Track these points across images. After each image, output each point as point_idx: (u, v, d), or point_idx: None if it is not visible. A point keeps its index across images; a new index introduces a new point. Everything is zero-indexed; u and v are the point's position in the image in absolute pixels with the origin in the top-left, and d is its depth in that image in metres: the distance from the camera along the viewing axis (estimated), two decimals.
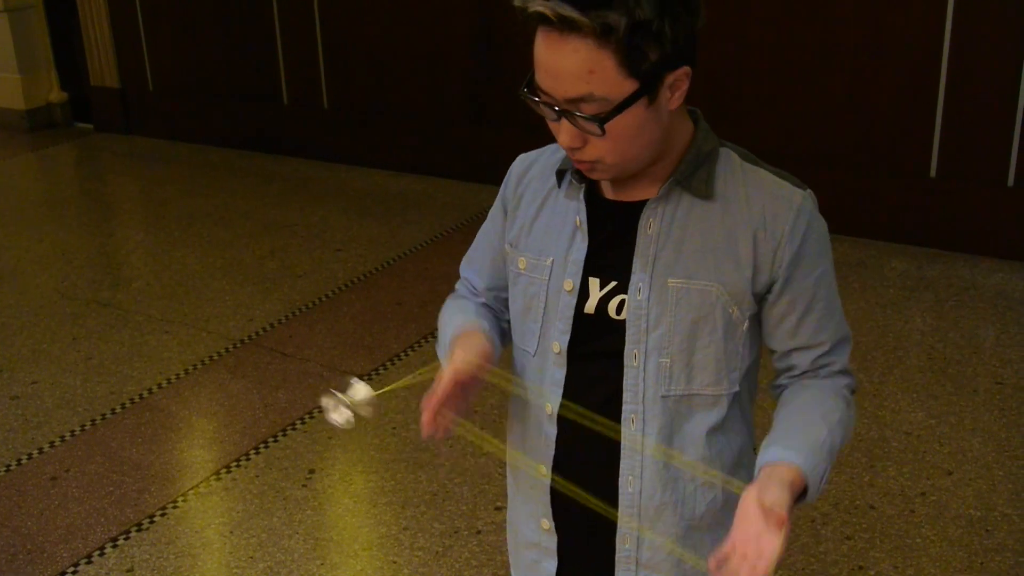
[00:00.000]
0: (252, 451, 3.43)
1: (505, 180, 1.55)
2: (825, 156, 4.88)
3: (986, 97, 4.50)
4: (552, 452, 1.46)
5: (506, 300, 1.58)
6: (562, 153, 1.47)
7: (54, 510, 3.17)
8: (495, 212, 1.57)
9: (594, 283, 1.41)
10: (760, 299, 1.40)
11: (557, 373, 1.44)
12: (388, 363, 3.92)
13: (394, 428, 3.50)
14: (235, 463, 3.37)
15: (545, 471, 1.48)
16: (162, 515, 3.13)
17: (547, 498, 1.49)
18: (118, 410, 3.73)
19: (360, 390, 1.44)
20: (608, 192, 1.43)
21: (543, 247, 1.46)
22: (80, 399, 3.82)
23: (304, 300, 4.56)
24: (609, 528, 1.45)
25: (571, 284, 1.42)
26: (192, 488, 3.26)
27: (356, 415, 1.42)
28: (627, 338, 1.38)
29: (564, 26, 1.22)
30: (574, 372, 1.43)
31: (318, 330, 4.28)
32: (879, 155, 4.79)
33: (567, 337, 1.42)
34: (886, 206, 4.81)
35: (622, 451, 1.41)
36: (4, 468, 3.41)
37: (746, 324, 1.38)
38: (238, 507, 3.15)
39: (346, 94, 6.43)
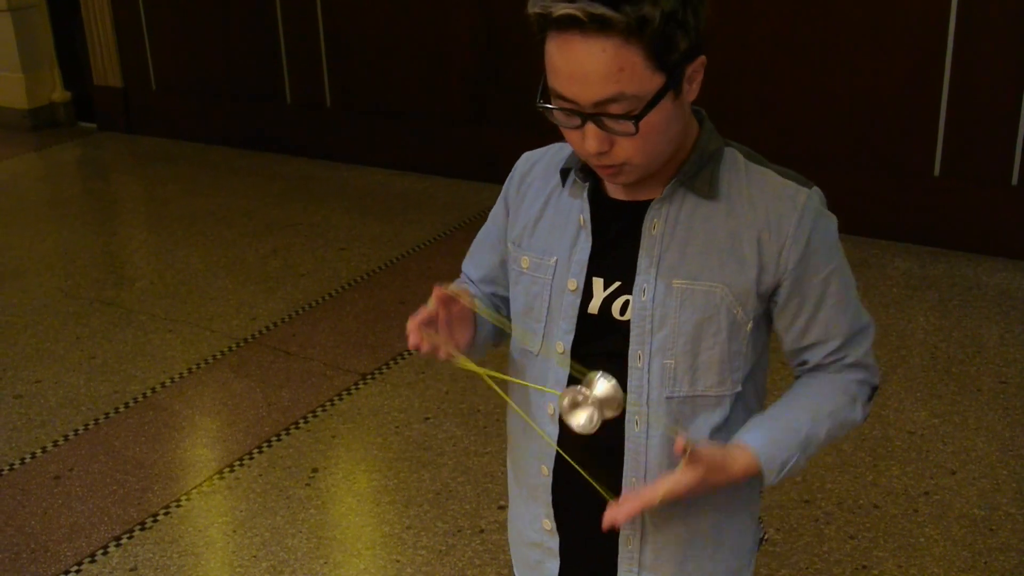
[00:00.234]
0: (255, 450, 3.43)
1: (508, 178, 1.55)
2: (828, 155, 4.87)
3: (990, 96, 4.49)
4: (554, 452, 1.46)
5: (502, 298, 1.58)
6: (566, 152, 1.47)
7: (57, 509, 3.18)
8: (497, 209, 1.57)
9: (598, 283, 1.41)
10: (766, 299, 1.39)
11: (560, 373, 1.43)
12: (391, 362, 3.92)
13: (397, 427, 3.50)
14: (238, 462, 3.37)
15: (547, 471, 1.47)
16: (165, 514, 3.13)
17: (549, 498, 1.48)
18: (121, 409, 3.73)
19: (604, 386, 1.37)
20: (612, 191, 1.42)
21: (547, 246, 1.45)
22: (83, 398, 3.82)
23: (307, 299, 4.57)
24: (612, 529, 1.45)
25: (575, 284, 1.41)
26: (195, 487, 3.26)
27: (600, 415, 1.36)
28: (631, 339, 1.38)
29: (594, 25, 1.19)
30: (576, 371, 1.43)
31: (321, 329, 4.28)
32: (882, 154, 4.79)
33: (571, 337, 1.42)
34: (889, 205, 4.80)
35: (625, 453, 1.41)
36: (8, 467, 3.41)
37: (750, 325, 1.37)
38: (241, 506, 3.15)
39: (349, 93, 6.43)
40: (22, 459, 3.45)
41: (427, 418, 3.54)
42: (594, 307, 1.41)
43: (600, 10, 1.18)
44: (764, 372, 1.47)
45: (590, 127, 1.27)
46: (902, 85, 4.65)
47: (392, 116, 6.25)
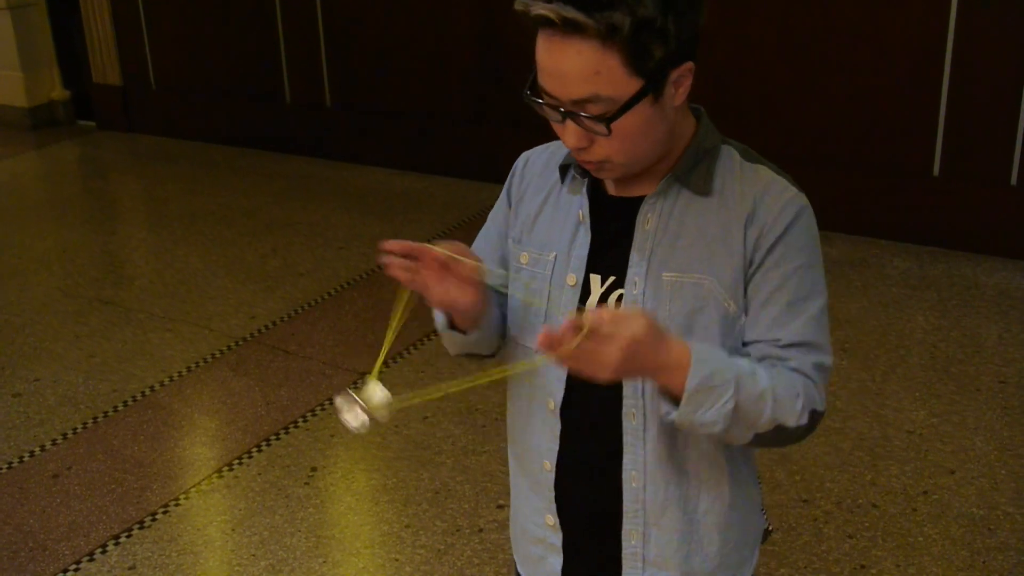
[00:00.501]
0: (254, 449, 3.43)
1: (510, 174, 1.56)
2: (827, 155, 4.87)
3: (989, 95, 4.49)
4: (556, 447, 1.46)
5: (504, 295, 1.58)
6: (565, 149, 1.48)
7: (56, 507, 3.17)
8: (499, 205, 1.58)
9: (595, 279, 1.42)
10: None
11: (560, 368, 1.44)
12: (390, 361, 3.92)
13: (396, 426, 3.50)
14: (237, 461, 3.37)
15: (549, 466, 1.48)
16: (164, 513, 3.13)
17: (552, 494, 1.49)
18: (120, 408, 3.73)
19: (377, 393, 1.38)
20: (611, 188, 1.43)
21: (546, 242, 1.46)
22: (82, 396, 3.82)
23: (306, 298, 4.56)
24: (615, 524, 1.45)
25: (574, 279, 1.42)
26: (194, 486, 3.26)
27: (371, 419, 1.36)
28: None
29: (568, 28, 1.22)
30: None
31: (320, 328, 4.28)
32: (882, 154, 4.79)
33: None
34: (889, 205, 4.81)
35: (624, 446, 1.41)
36: (6, 465, 3.41)
37: (743, 319, 1.38)
38: (240, 505, 3.15)
39: (348, 92, 6.42)
40: (21, 457, 3.45)
41: (426, 417, 3.54)
42: (592, 303, 1.41)
43: (572, 14, 1.20)
44: None
45: (569, 123, 1.30)
46: (902, 85, 4.65)
47: (392, 115, 6.25)
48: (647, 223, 1.38)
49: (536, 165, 1.53)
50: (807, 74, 4.85)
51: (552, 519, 1.50)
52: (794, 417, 1.32)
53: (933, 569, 2.73)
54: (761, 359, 1.36)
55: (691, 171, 1.38)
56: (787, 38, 4.86)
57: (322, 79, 6.49)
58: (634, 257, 1.38)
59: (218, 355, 4.08)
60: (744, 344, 1.38)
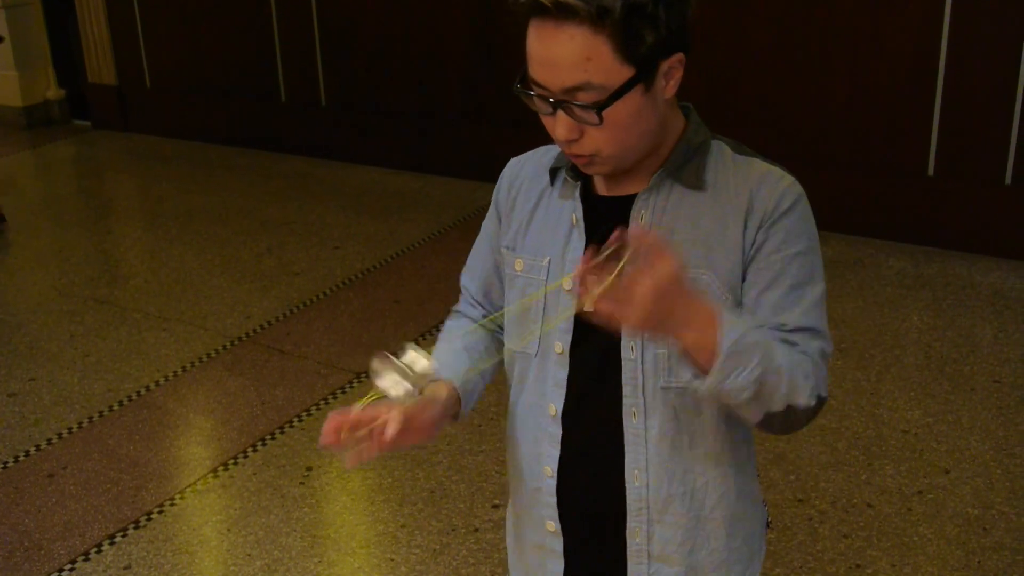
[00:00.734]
0: (250, 448, 3.43)
1: (497, 186, 1.56)
2: (823, 154, 4.88)
3: (984, 95, 4.50)
4: (557, 453, 1.46)
5: (499, 308, 1.58)
6: (553, 153, 1.48)
7: (51, 507, 3.17)
8: (489, 219, 1.57)
9: None
10: None
11: (559, 373, 1.44)
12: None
13: None
14: (232, 460, 3.37)
15: (551, 472, 1.47)
16: (159, 512, 3.13)
17: (553, 500, 1.48)
18: (115, 407, 3.73)
19: (420, 361, 1.29)
20: (602, 188, 1.43)
21: (539, 247, 1.46)
22: (77, 396, 3.81)
23: (302, 297, 4.56)
24: (617, 524, 1.45)
25: (570, 283, 1.42)
26: (189, 485, 3.26)
27: (415, 390, 1.29)
28: (623, 331, 1.38)
29: (560, 13, 1.22)
30: (576, 371, 1.43)
31: (316, 327, 4.27)
32: (877, 153, 4.79)
33: (569, 337, 1.42)
34: (883, 204, 4.81)
35: (626, 446, 1.41)
36: (1, 465, 3.41)
37: (740, 308, 1.37)
38: (235, 504, 3.15)
39: (344, 91, 6.42)
40: (16, 457, 3.44)
41: None
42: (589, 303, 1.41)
43: None
44: None
45: (560, 114, 1.29)
46: (896, 85, 4.66)
47: (387, 114, 6.24)
48: (640, 219, 1.38)
49: (526, 171, 1.52)
50: (802, 74, 4.86)
51: (553, 525, 1.50)
52: (804, 396, 1.28)
53: (928, 568, 2.73)
54: None
55: (683, 166, 1.38)
56: (783, 39, 4.86)
57: (318, 78, 6.49)
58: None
59: (213, 355, 4.08)
60: None
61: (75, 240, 5.42)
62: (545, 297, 1.44)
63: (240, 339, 4.20)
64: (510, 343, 1.52)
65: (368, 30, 6.15)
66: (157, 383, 3.88)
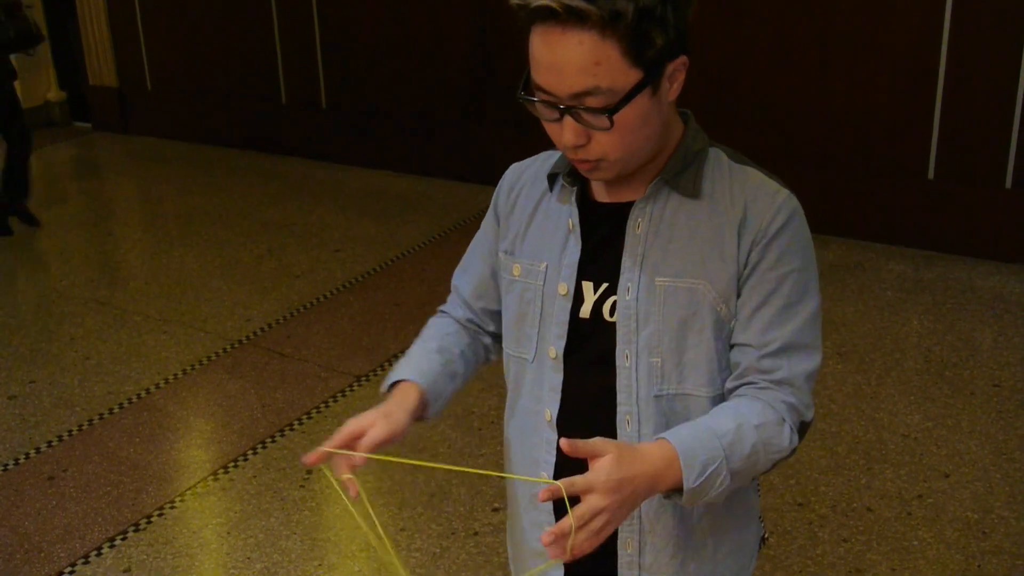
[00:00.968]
0: (250, 451, 3.43)
1: (497, 190, 1.55)
2: (823, 158, 4.88)
3: (984, 99, 4.50)
4: (554, 458, 1.46)
5: (492, 312, 1.58)
6: (553, 159, 1.47)
7: (51, 510, 3.17)
8: (487, 222, 1.57)
9: (588, 287, 1.41)
10: None
11: (554, 379, 1.44)
12: (386, 363, 3.92)
13: None
14: (233, 463, 3.37)
15: (547, 478, 1.47)
16: (159, 515, 3.13)
17: (550, 505, 1.48)
18: (116, 410, 3.73)
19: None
20: (599, 195, 1.43)
21: (537, 252, 1.46)
22: (78, 399, 3.81)
23: (302, 300, 4.56)
24: (611, 534, 1.45)
25: (565, 288, 1.42)
26: (189, 488, 3.26)
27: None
28: (618, 338, 1.38)
29: (570, 17, 1.21)
30: (571, 376, 1.43)
31: (316, 330, 4.27)
32: (877, 157, 4.80)
33: (563, 342, 1.42)
34: (883, 208, 4.82)
35: None
36: (2, 467, 3.41)
37: (734, 322, 1.37)
38: (235, 507, 3.15)
39: (344, 94, 6.43)
40: (16, 460, 3.45)
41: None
42: (586, 311, 1.41)
43: (575, 2, 1.19)
44: None
45: (567, 120, 1.28)
46: (897, 88, 4.66)
47: (388, 117, 6.25)
48: (637, 227, 1.38)
49: (525, 176, 1.52)
50: (803, 77, 4.86)
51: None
52: (781, 444, 1.33)
53: (928, 572, 2.73)
54: (740, 377, 1.36)
55: (680, 174, 1.37)
56: (783, 41, 4.87)
57: (318, 81, 6.49)
58: (626, 262, 1.38)
59: (214, 357, 4.08)
60: (731, 346, 1.37)
61: (75, 242, 5.42)
62: (542, 301, 1.44)
63: (240, 342, 4.20)
64: (507, 347, 1.52)
65: (369, 32, 6.16)
66: (157, 386, 3.88)
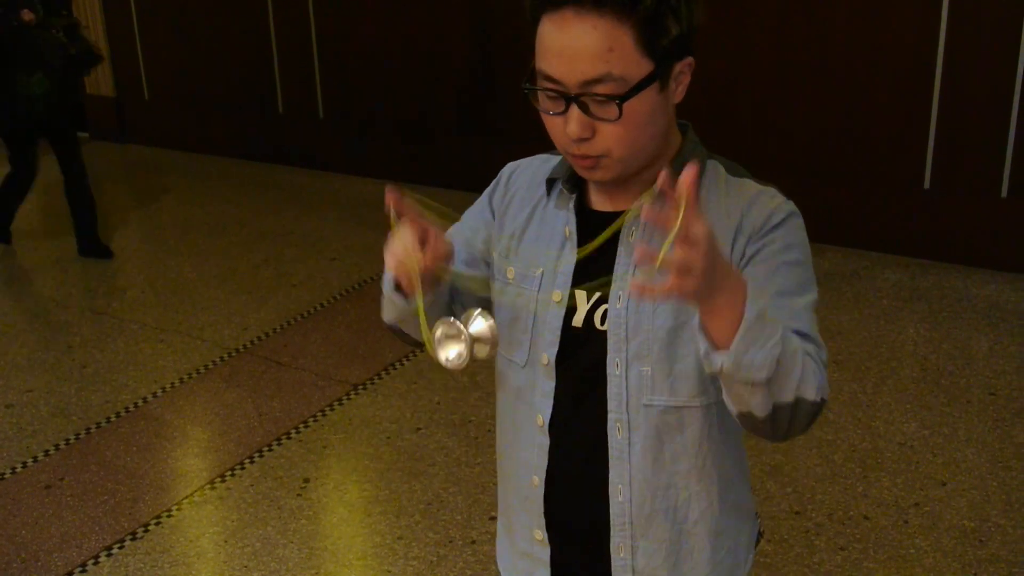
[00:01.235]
0: (247, 460, 3.43)
1: (495, 181, 1.55)
2: (819, 167, 4.89)
3: (980, 108, 4.52)
4: (545, 463, 1.46)
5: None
6: (552, 163, 1.47)
7: (48, 519, 3.17)
8: (478, 210, 1.55)
9: (581, 296, 1.41)
10: None
11: (546, 384, 1.44)
12: (383, 372, 3.92)
13: (388, 437, 3.50)
14: (230, 472, 3.37)
15: (538, 482, 1.48)
16: (156, 524, 3.13)
17: (540, 509, 1.49)
18: (113, 419, 3.73)
19: (480, 324, 1.27)
20: (597, 203, 1.43)
21: (532, 258, 1.46)
22: (75, 408, 3.81)
23: (299, 309, 4.57)
24: (603, 537, 1.45)
25: (559, 295, 1.42)
26: (186, 497, 3.26)
27: (471, 354, 1.27)
28: (608, 347, 1.38)
29: (589, 1, 1.21)
30: (563, 383, 1.44)
31: (313, 339, 4.28)
32: (873, 166, 4.81)
33: (555, 349, 1.42)
34: (880, 217, 4.83)
35: (610, 460, 1.41)
36: None
37: None
38: (232, 516, 3.15)
39: (341, 103, 6.44)
40: (13, 469, 3.44)
41: (419, 428, 3.54)
42: (578, 320, 1.41)
43: None
44: None
45: (573, 111, 1.28)
46: (892, 97, 4.68)
47: (385, 126, 6.26)
48: (631, 236, 1.38)
49: (523, 178, 1.52)
50: (799, 86, 4.88)
51: (540, 534, 1.50)
52: (814, 389, 1.22)
53: None
54: None
55: (675, 184, 1.37)
56: (780, 50, 4.88)
57: (315, 90, 6.50)
58: (618, 271, 1.38)
59: (211, 366, 4.08)
60: None
61: (72, 251, 5.42)
62: (536, 308, 1.44)
63: (237, 350, 4.20)
64: (501, 350, 1.52)
65: (365, 42, 6.17)
66: (154, 394, 3.88)
